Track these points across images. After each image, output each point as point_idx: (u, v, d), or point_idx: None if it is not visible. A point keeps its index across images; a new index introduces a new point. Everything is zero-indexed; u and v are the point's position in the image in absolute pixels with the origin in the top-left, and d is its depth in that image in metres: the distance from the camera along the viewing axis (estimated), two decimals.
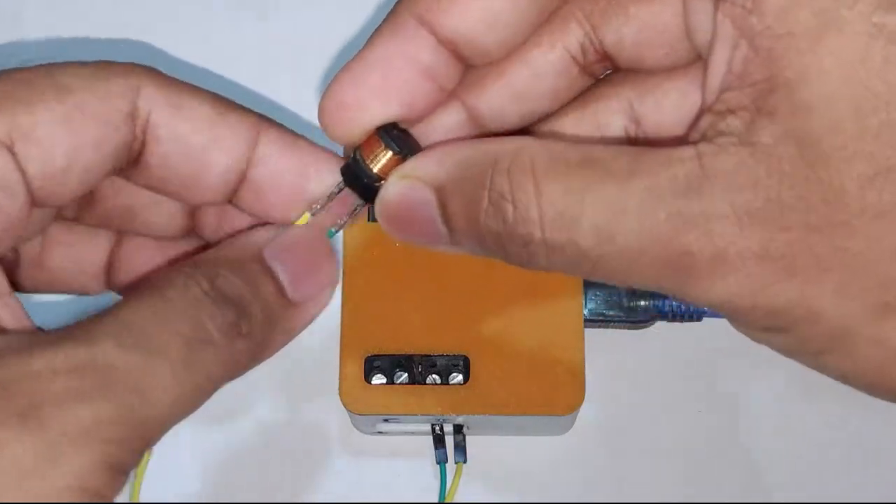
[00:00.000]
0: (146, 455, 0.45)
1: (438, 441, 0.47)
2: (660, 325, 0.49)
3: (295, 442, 0.49)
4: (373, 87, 0.29)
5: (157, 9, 0.53)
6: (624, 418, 0.49)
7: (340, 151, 0.31)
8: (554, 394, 0.44)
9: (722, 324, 0.49)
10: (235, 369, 0.28)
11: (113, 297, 0.33)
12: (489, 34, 0.28)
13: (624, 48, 0.29)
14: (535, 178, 0.27)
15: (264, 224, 0.32)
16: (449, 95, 0.30)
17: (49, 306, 0.32)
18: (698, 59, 0.28)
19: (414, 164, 0.29)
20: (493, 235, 0.28)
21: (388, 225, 0.30)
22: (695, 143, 0.26)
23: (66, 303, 0.37)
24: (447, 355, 0.45)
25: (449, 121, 0.30)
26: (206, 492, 0.48)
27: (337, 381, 0.45)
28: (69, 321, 0.27)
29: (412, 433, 0.47)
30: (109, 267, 0.32)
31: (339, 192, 0.31)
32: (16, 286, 0.30)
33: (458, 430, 0.47)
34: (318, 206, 0.31)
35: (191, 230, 0.32)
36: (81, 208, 0.31)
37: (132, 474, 0.45)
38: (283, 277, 0.30)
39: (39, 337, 0.27)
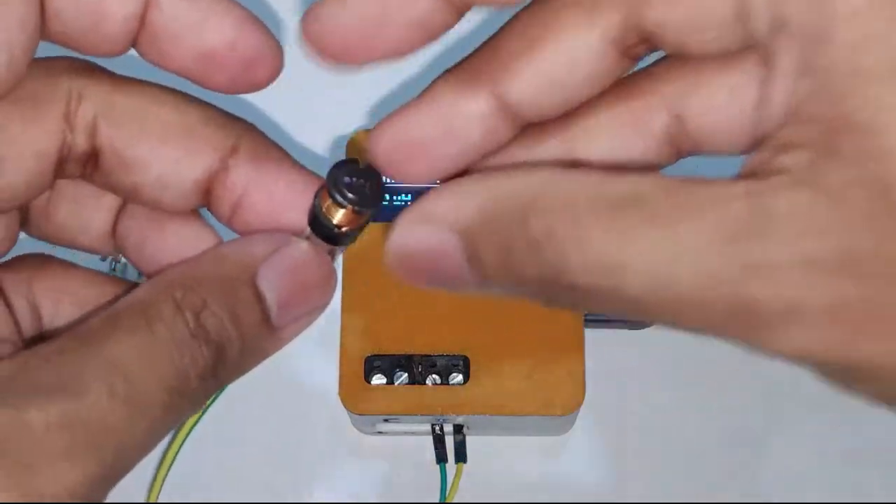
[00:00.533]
0: (170, 458, 0.45)
1: (438, 441, 0.47)
2: (660, 326, 0.49)
3: (295, 442, 0.49)
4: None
5: None
6: (624, 418, 0.49)
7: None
8: (553, 394, 0.44)
9: None
10: (199, 407, 0.28)
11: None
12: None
13: (668, 29, 0.26)
14: (576, 220, 0.25)
15: (268, 232, 0.30)
16: (472, 85, 0.27)
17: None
18: (750, 49, 0.26)
19: (432, 206, 0.27)
20: (532, 282, 0.26)
21: (406, 274, 0.28)
22: (749, 177, 0.24)
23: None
24: (447, 355, 0.45)
25: (475, 109, 0.27)
26: (207, 492, 0.48)
27: (337, 381, 0.45)
28: None
29: (412, 433, 0.47)
30: (115, 232, 0.31)
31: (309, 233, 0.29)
32: (27, 231, 0.30)
33: (458, 430, 0.47)
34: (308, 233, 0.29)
35: (204, 204, 0.31)
36: (84, 165, 0.30)
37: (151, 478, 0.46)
38: (272, 302, 0.29)
39: (30, 366, 0.26)
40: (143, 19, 0.28)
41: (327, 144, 0.53)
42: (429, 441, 0.47)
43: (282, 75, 0.28)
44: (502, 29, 0.27)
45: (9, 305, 0.29)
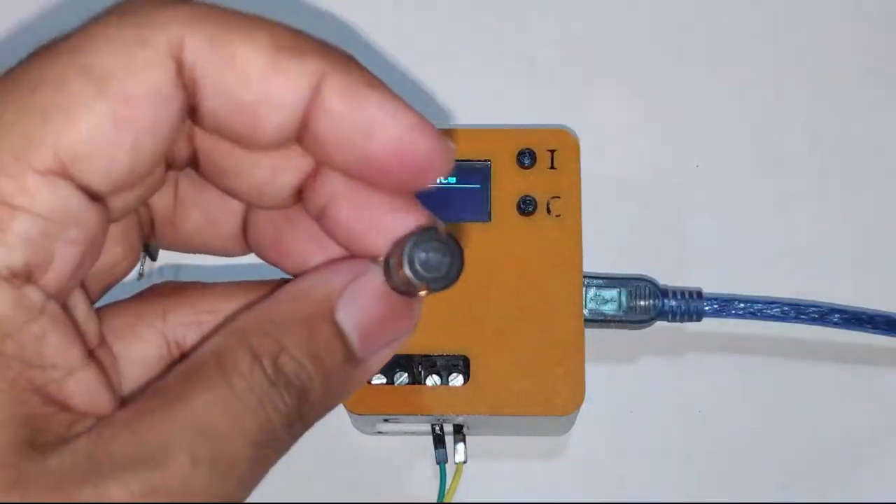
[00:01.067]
0: None
1: (438, 441, 0.47)
2: (660, 325, 0.49)
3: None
4: None
5: None
6: (624, 418, 0.49)
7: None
8: (554, 394, 0.44)
9: (722, 324, 0.49)
10: (286, 451, 0.27)
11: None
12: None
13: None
14: None
15: (340, 259, 0.29)
16: None
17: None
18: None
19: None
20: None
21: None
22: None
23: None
24: (447, 355, 0.45)
25: None
26: None
27: None
28: None
29: (412, 433, 0.47)
30: (246, 233, 0.30)
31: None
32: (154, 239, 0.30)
33: (458, 430, 0.47)
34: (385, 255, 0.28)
35: (297, 201, 0.30)
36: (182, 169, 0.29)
37: None
38: (353, 336, 0.28)
39: (106, 438, 0.26)
40: (306, 123, 0.27)
41: None
42: (429, 441, 0.47)
43: None
44: None
45: (104, 369, 0.28)
